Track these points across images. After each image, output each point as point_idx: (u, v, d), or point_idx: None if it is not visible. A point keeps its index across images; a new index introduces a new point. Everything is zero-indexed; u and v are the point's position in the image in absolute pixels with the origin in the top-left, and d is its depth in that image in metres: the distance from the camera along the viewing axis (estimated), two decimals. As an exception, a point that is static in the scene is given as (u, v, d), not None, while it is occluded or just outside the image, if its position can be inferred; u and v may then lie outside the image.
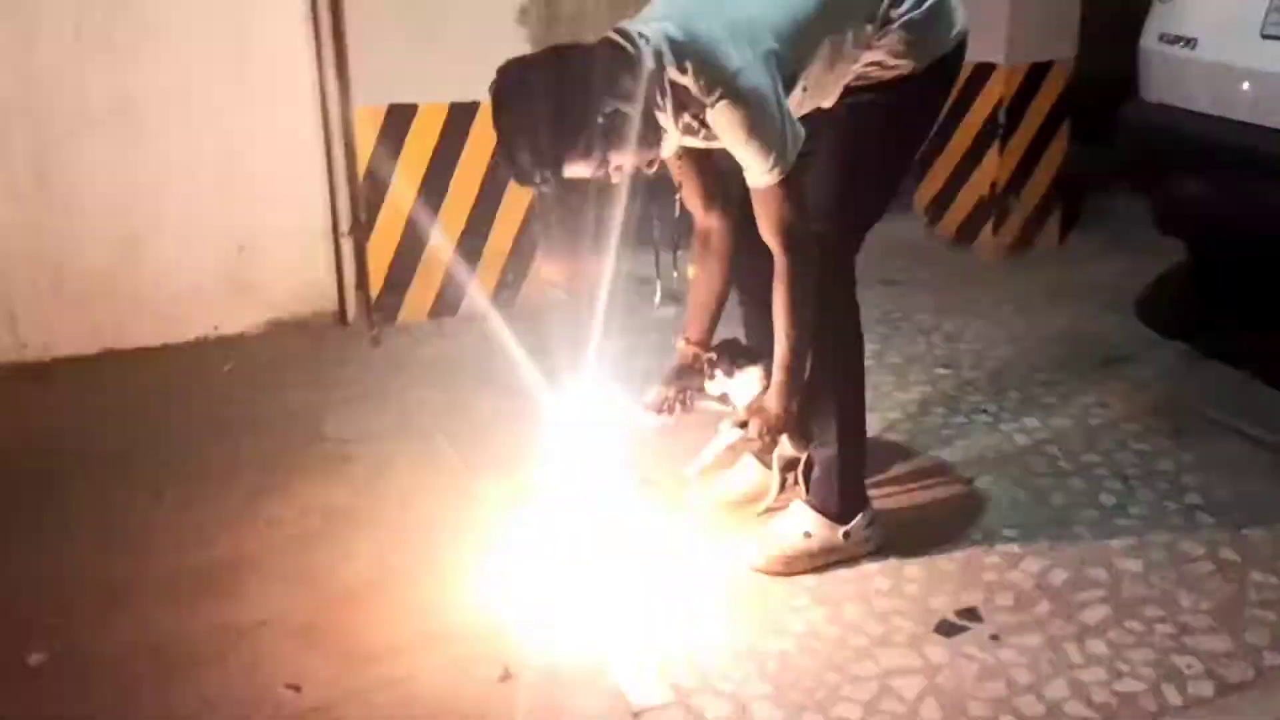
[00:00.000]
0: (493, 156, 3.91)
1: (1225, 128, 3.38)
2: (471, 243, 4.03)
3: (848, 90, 2.47)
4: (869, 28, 2.37)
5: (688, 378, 2.74)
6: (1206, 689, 2.25)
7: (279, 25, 3.80)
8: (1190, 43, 3.46)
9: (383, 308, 4.02)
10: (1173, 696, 2.23)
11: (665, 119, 2.29)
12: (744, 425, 2.63)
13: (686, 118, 2.30)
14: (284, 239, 3.98)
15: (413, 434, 3.30)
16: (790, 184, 2.30)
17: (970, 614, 2.48)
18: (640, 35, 2.22)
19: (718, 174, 2.56)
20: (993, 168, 4.69)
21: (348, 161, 3.93)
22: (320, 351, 3.89)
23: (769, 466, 2.84)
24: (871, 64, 2.44)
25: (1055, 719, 2.17)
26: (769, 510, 2.80)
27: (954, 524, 2.83)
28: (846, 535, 2.66)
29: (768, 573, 2.63)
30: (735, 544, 2.70)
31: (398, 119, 3.83)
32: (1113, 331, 4.01)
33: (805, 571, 2.63)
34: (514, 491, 2.95)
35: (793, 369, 2.47)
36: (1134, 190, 4.11)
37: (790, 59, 2.27)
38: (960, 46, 2.53)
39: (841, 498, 2.66)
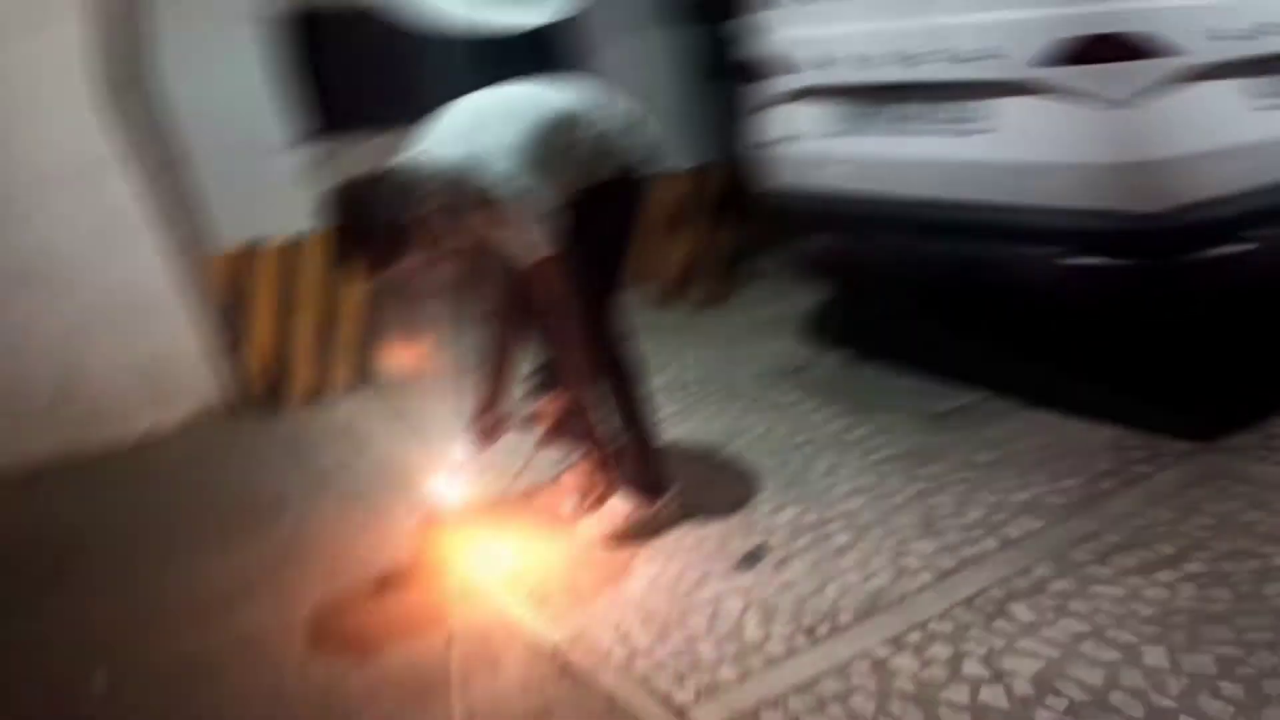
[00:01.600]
0: (327, 270, 3.72)
1: (831, 197, 3.41)
2: (325, 342, 3.82)
3: (573, 192, 2.45)
4: (581, 145, 2.43)
5: (490, 413, 2.70)
6: (928, 576, 2.33)
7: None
8: (793, 140, 3.50)
9: (270, 399, 3.79)
10: (908, 584, 2.31)
11: (444, 223, 2.25)
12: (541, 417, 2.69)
13: (461, 221, 2.27)
14: (180, 359, 3.72)
15: (322, 485, 3.20)
16: (552, 262, 2.30)
17: (760, 549, 2.50)
18: (416, 161, 2.27)
19: (497, 268, 2.52)
20: (685, 244, 4.72)
21: (208, 296, 3.68)
22: (234, 436, 3.71)
23: (584, 472, 2.77)
24: (585, 172, 2.46)
25: (836, 612, 2.20)
26: (598, 500, 2.73)
27: (727, 491, 2.83)
28: (660, 507, 2.65)
29: (612, 541, 2.60)
30: (583, 526, 2.68)
31: (245, 256, 3.60)
32: (793, 349, 4.02)
33: (637, 538, 2.60)
34: (414, 517, 2.78)
35: (585, 405, 2.52)
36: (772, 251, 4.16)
37: (530, 167, 2.30)
38: (650, 155, 2.60)
39: (653, 480, 2.66)
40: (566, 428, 2.67)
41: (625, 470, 2.65)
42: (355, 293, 3.82)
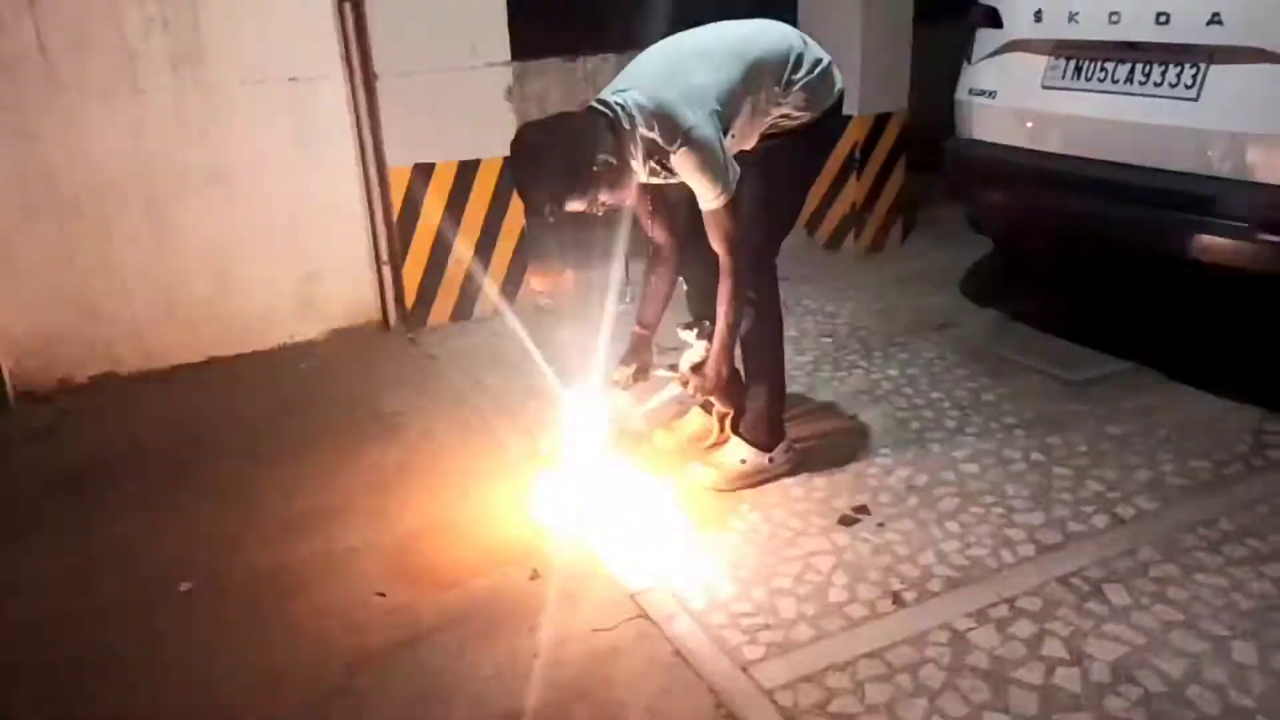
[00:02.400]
0: (492, 197, 3.93)
1: (1017, 155, 3.40)
2: (479, 264, 4.00)
3: (763, 136, 2.51)
4: (776, 89, 2.42)
5: (641, 355, 2.77)
6: (1029, 550, 2.35)
7: (328, 109, 3.77)
8: (991, 94, 3.52)
9: (415, 316, 3.98)
10: (1007, 556, 2.33)
11: (637, 165, 2.33)
12: (685, 384, 2.69)
13: (652, 163, 2.34)
14: (339, 268, 3.94)
15: (447, 407, 3.28)
16: (731, 207, 2.34)
17: (862, 510, 2.54)
18: (617, 104, 2.28)
19: (668, 205, 2.60)
20: (852, 191, 4.70)
21: (384, 209, 3.90)
22: (370, 351, 3.86)
23: (710, 414, 2.84)
24: (780, 116, 2.48)
25: (926, 580, 2.25)
26: (712, 446, 2.80)
27: (844, 447, 2.87)
28: (771, 460, 2.69)
29: (716, 490, 2.66)
30: (692, 471, 2.72)
31: (421, 175, 3.80)
32: (943, 304, 3.99)
33: (743, 488, 2.66)
34: (530, 448, 2.94)
35: (727, 341, 2.50)
36: (953, 203, 4.19)
37: (725, 115, 2.32)
38: (840, 100, 2.58)
39: (769, 433, 2.69)
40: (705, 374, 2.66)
41: (746, 419, 2.70)
42: (516, 220, 3.97)
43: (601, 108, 2.30)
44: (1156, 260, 3.15)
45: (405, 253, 3.90)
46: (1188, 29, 2.81)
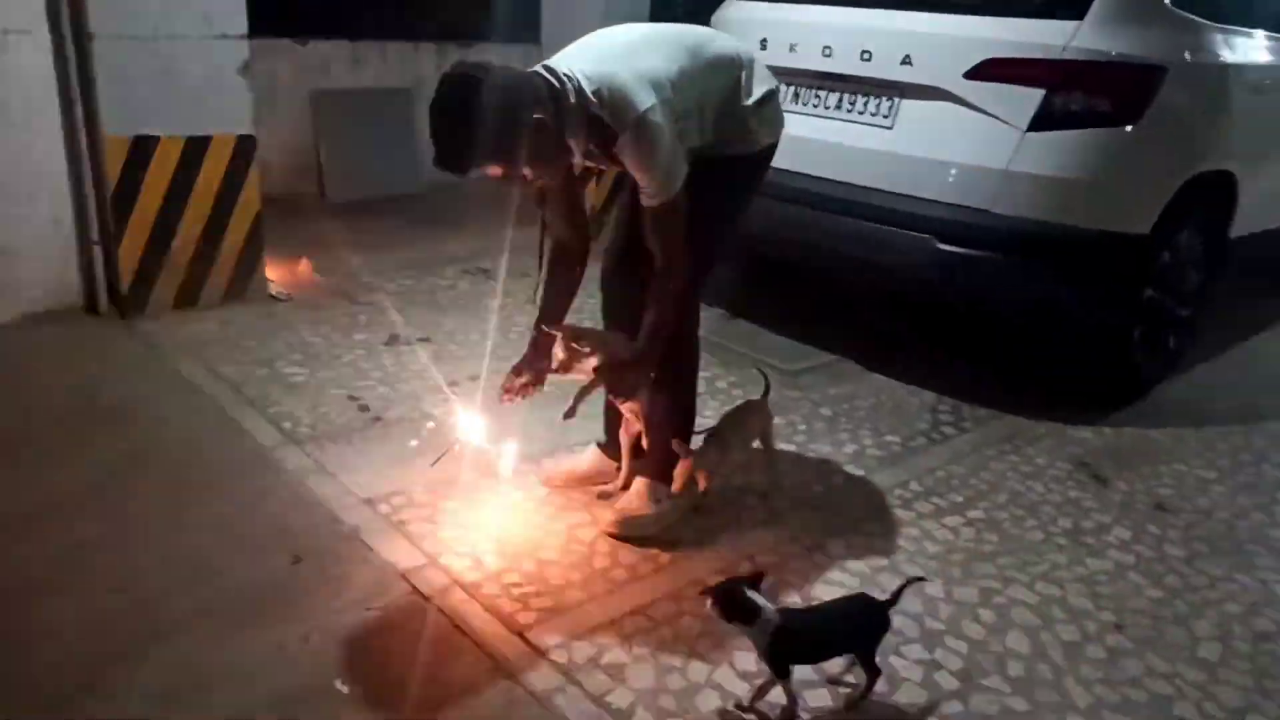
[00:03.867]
0: (224, 177, 3.71)
1: None
2: (207, 249, 3.75)
3: (697, 155, 2.23)
4: (726, 102, 2.28)
5: (537, 362, 2.44)
6: (764, 514, 2.63)
7: (29, 68, 3.38)
8: None
9: (133, 301, 3.64)
10: (746, 520, 2.60)
11: (575, 144, 2.11)
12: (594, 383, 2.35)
13: (591, 145, 2.13)
14: (37, 246, 3.53)
15: (180, 396, 3.06)
16: (674, 205, 2.14)
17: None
18: (565, 74, 2.07)
19: (578, 201, 2.43)
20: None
21: (96, 183, 3.54)
22: (78, 338, 3.48)
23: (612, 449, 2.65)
24: (718, 136, 2.30)
25: (677, 543, 2.46)
26: (622, 487, 2.60)
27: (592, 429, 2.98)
28: (680, 498, 2.49)
29: (620, 536, 2.43)
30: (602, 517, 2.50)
31: (142, 149, 3.50)
32: None
33: (653, 536, 2.44)
34: (276, 434, 2.86)
35: (657, 338, 2.26)
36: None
37: (675, 108, 2.14)
38: (773, 146, 2.44)
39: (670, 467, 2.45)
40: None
41: (652, 455, 2.50)
42: (251, 203, 3.76)
43: (547, 75, 2.07)
44: (858, 266, 3.62)
45: (121, 232, 3.57)
46: (885, 66, 3.29)
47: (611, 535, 2.45)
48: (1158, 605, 2.35)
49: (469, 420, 2.70)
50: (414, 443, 2.86)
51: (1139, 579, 2.46)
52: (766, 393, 2.73)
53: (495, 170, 2.01)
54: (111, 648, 1.98)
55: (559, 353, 2.35)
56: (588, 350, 2.31)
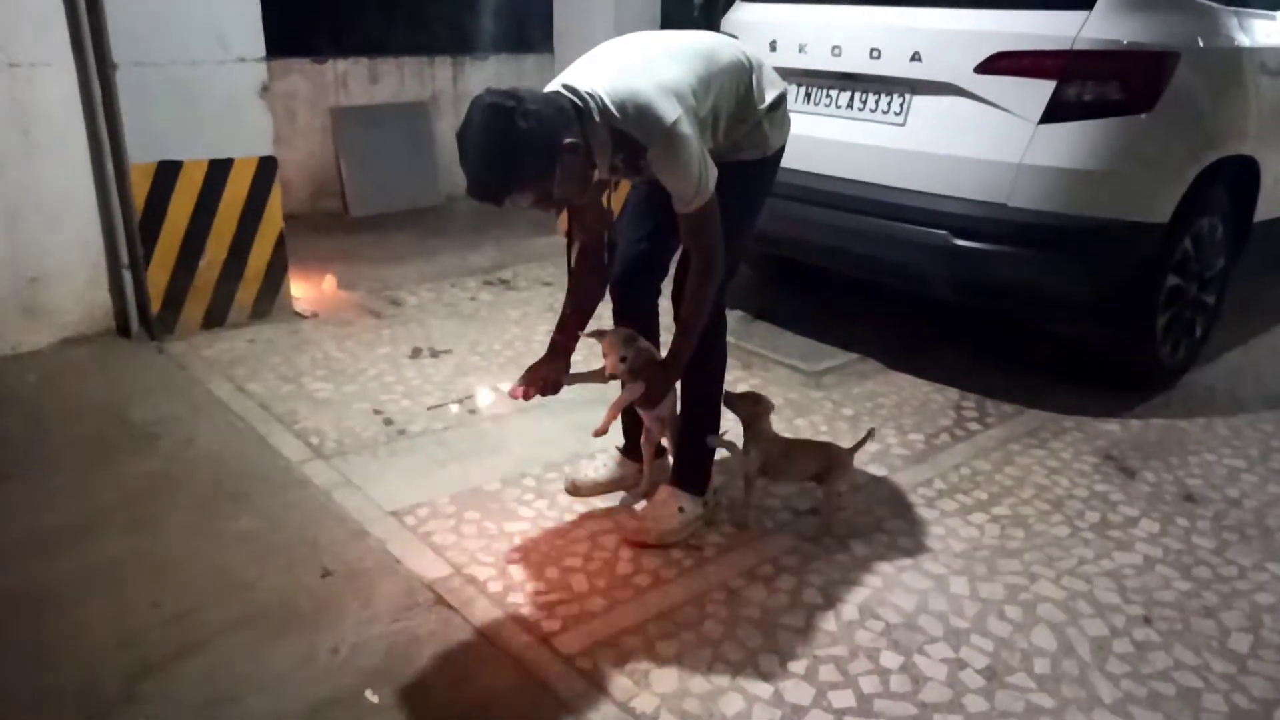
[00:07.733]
0: (246, 199, 3.78)
1: None
2: (233, 269, 3.82)
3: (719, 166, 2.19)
4: (739, 106, 2.27)
5: (553, 365, 2.44)
6: (787, 516, 2.62)
7: (56, 99, 3.46)
8: None
9: (162, 323, 3.71)
10: (769, 523, 2.59)
11: (600, 161, 2.09)
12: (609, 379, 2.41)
13: (616, 160, 2.11)
14: (70, 272, 3.61)
15: (208, 415, 3.12)
16: (711, 207, 2.14)
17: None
18: (587, 93, 2.04)
19: (603, 211, 2.44)
20: None
21: (124, 208, 3.62)
22: (111, 361, 3.56)
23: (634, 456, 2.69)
24: (731, 143, 2.30)
25: (702, 548, 2.48)
26: (646, 492, 2.65)
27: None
28: (705, 504, 2.54)
29: (644, 544, 2.44)
30: (622, 525, 2.52)
31: (167, 173, 3.58)
32: None
33: (678, 543, 2.46)
34: (303, 449, 2.91)
35: (691, 340, 2.26)
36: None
37: (697, 115, 2.12)
38: (783, 149, 2.46)
39: (707, 473, 2.53)
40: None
41: (681, 460, 2.51)
42: (273, 223, 3.83)
43: (570, 96, 2.04)
44: (875, 265, 3.61)
45: (149, 256, 3.65)
46: (895, 64, 3.28)
47: (634, 543, 2.46)
48: (1186, 597, 2.33)
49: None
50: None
51: (1167, 571, 2.43)
52: (860, 444, 2.61)
53: (530, 198, 1.98)
54: (147, 659, 2.03)
55: (608, 354, 2.37)
56: (631, 354, 2.35)
